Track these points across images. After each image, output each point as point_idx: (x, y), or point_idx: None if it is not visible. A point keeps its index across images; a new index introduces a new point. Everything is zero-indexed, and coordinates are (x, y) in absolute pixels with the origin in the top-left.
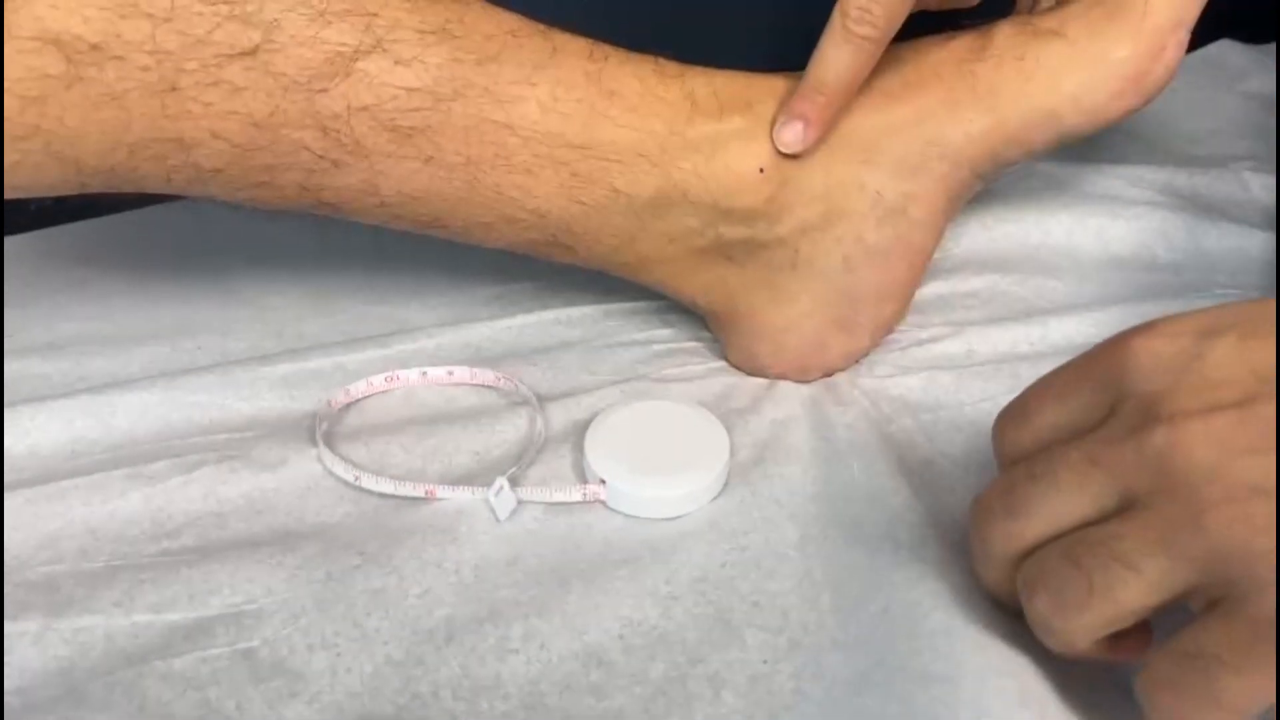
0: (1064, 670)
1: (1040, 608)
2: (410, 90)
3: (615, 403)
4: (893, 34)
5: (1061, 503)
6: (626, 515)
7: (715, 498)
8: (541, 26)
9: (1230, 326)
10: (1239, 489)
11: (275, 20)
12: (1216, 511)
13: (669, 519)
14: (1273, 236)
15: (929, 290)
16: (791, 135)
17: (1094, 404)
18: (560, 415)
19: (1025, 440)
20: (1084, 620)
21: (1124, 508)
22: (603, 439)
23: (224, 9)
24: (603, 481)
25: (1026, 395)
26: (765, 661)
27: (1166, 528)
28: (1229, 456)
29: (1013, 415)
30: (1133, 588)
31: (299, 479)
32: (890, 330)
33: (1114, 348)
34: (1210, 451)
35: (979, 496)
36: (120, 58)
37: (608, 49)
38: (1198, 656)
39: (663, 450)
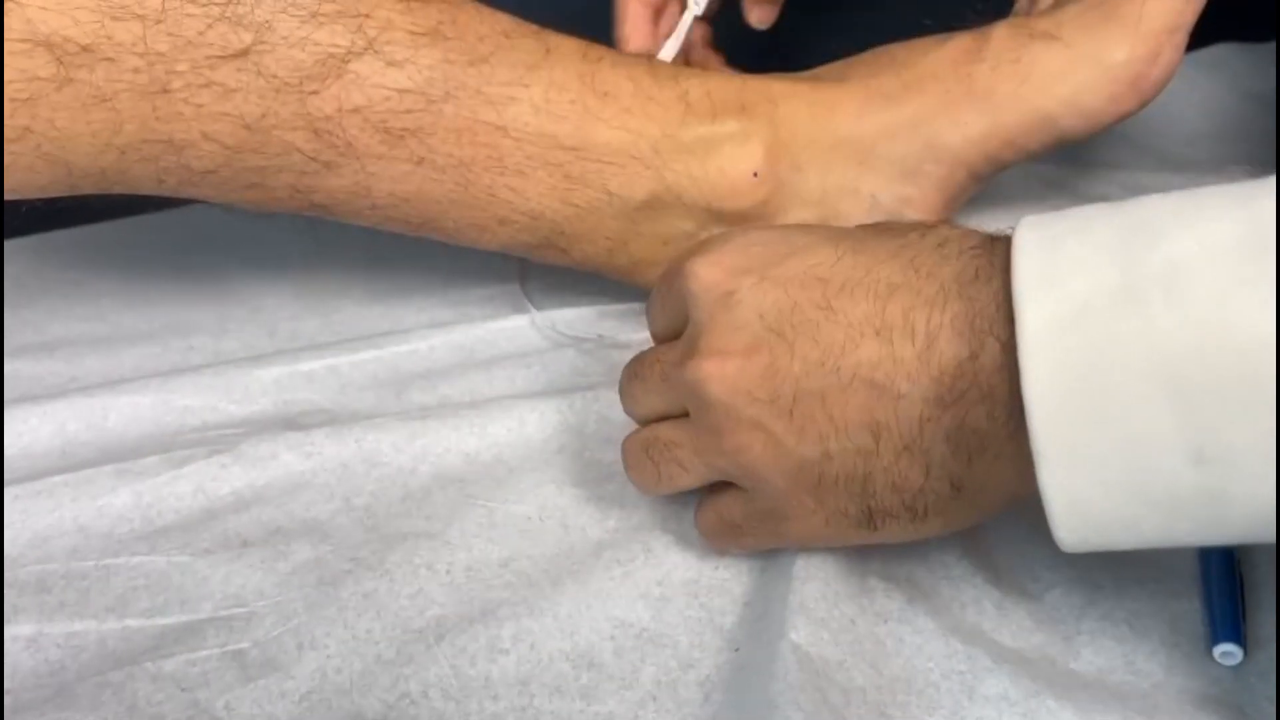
0: None
1: (630, 476)
2: (402, 92)
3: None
4: None
5: (649, 402)
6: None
7: None
8: (535, 27)
9: (752, 269)
10: (742, 424)
11: (267, 21)
12: (728, 438)
13: None
14: None
15: None
16: None
17: (676, 315)
18: (554, 418)
19: (655, 327)
20: (658, 491)
21: (686, 413)
22: None
23: (215, 10)
24: None
25: (658, 284)
26: (759, 666)
27: (702, 444)
28: (733, 395)
29: (650, 300)
30: (686, 479)
31: (290, 475)
32: None
33: (679, 269)
34: (722, 390)
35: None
36: (111, 59)
37: (602, 50)
38: (729, 520)
39: None
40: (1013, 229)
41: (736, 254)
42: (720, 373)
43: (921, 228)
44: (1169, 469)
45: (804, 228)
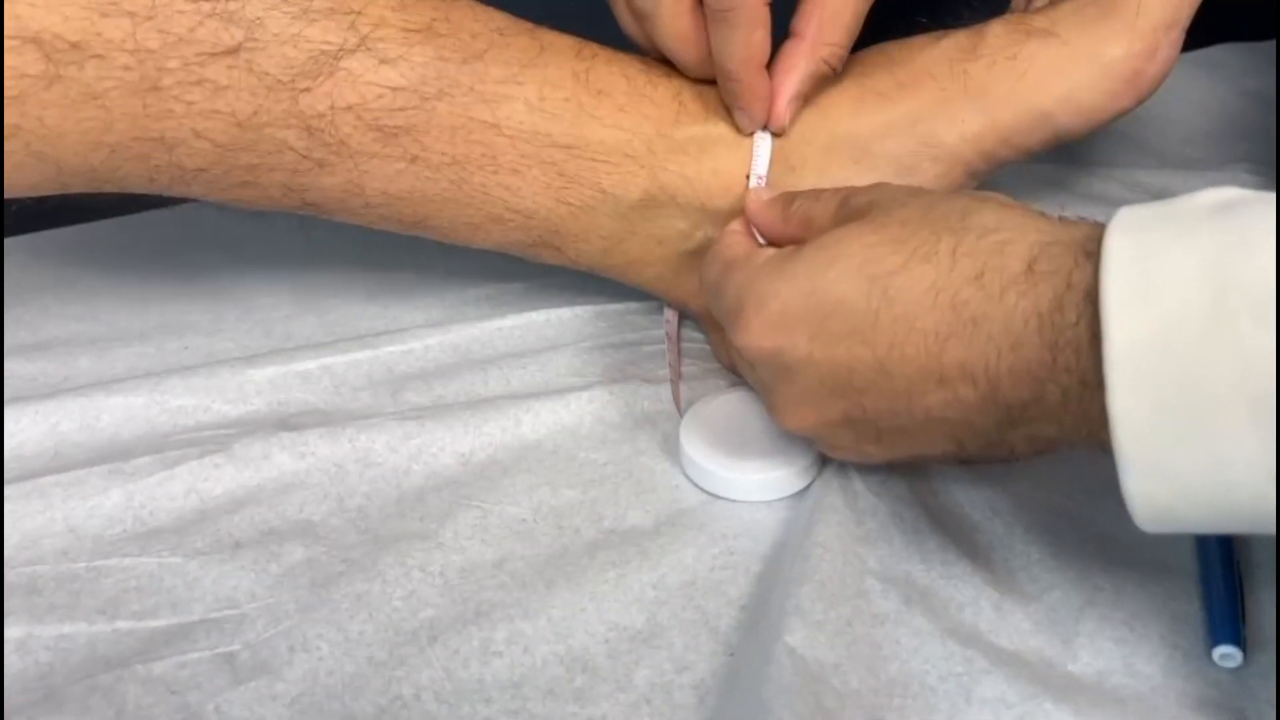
0: None
1: None
2: (395, 89)
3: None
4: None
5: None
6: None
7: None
8: (529, 25)
9: (796, 332)
10: (835, 446)
11: (258, 18)
12: (823, 446)
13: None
14: None
15: None
16: (740, 123)
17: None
18: (549, 418)
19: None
20: None
21: None
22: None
23: (206, 7)
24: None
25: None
26: (753, 669)
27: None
28: (820, 435)
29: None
30: None
31: (283, 475)
32: None
33: (731, 324)
34: (811, 433)
35: None
36: (100, 56)
37: (596, 48)
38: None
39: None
40: (1038, 244)
41: (775, 316)
42: (801, 425)
43: (948, 247)
44: (1252, 488)
45: (830, 264)
